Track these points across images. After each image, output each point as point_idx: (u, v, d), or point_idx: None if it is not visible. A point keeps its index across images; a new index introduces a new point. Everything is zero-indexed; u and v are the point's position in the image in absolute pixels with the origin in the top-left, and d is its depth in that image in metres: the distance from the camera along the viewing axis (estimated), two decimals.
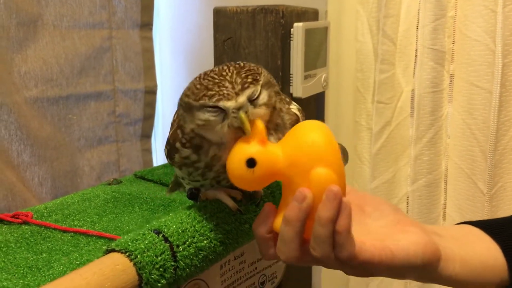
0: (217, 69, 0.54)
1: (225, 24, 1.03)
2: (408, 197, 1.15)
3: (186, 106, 0.54)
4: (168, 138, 0.60)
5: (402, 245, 0.48)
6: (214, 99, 0.51)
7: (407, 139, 1.14)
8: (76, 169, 1.22)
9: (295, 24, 0.98)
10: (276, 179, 0.50)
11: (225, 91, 0.51)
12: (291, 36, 0.99)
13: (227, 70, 0.53)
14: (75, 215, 0.83)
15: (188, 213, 0.59)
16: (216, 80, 0.52)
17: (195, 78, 0.55)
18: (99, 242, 0.74)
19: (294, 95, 1.02)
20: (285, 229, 0.47)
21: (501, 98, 0.97)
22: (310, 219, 0.46)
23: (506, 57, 0.95)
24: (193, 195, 0.63)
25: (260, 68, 0.55)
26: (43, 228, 0.78)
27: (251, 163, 0.48)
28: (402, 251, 0.48)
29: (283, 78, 1.00)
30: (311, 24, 1.02)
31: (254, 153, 0.48)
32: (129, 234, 0.54)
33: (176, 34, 1.41)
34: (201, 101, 0.52)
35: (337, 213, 0.45)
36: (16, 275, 0.65)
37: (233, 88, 0.51)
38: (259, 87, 0.53)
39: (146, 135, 1.36)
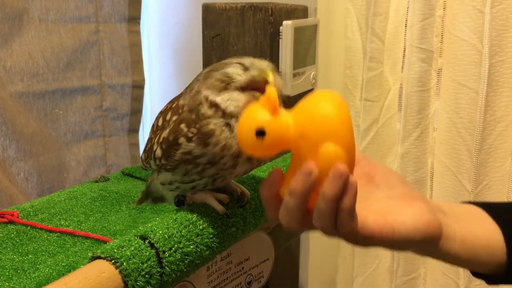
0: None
1: (214, 21, 1.02)
2: None
3: (206, 73, 0.57)
4: (164, 138, 0.58)
5: (405, 221, 0.48)
6: (245, 58, 0.56)
7: (394, 136, 1.14)
8: (62, 164, 1.22)
9: (284, 22, 0.97)
10: (285, 149, 0.49)
11: (251, 60, 0.56)
12: (280, 34, 0.98)
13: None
14: (61, 214, 0.82)
15: (174, 217, 0.59)
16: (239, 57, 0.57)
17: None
18: (86, 243, 0.73)
19: (283, 93, 1.02)
20: (289, 199, 0.47)
21: (488, 98, 0.98)
22: (315, 191, 0.46)
23: (493, 57, 0.96)
24: (180, 202, 0.62)
25: None
26: (29, 228, 0.78)
27: (260, 132, 0.47)
28: (403, 228, 0.48)
29: None
30: (300, 22, 1.01)
31: (264, 123, 0.47)
32: (115, 241, 0.53)
33: (164, 28, 1.40)
34: (229, 59, 0.56)
35: (342, 192, 0.44)
36: (1, 277, 0.64)
37: (259, 60, 0.56)
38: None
39: (133, 130, 1.35)
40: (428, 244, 0.51)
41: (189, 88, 0.59)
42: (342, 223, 0.46)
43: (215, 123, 0.55)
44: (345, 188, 0.44)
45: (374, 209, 0.50)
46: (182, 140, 0.56)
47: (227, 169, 0.57)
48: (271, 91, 0.49)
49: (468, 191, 1.04)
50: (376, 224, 0.47)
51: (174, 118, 0.58)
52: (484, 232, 0.55)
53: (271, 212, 0.51)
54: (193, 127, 0.56)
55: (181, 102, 0.59)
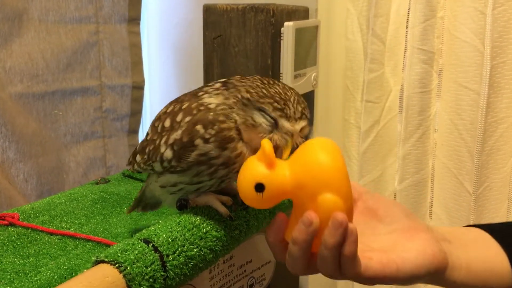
0: (279, 85, 0.57)
1: (215, 22, 1.02)
2: (395, 195, 1.16)
3: (244, 101, 0.56)
4: (176, 140, 0.57)
5: (409, 257, 0.50)
6: (278, 114, 0.55)
7: (394, 138, 1.14)
8: (62, 165, 1.21)
9: (286, 24, 0.97)
10: (285, 198, 0.51)
11: (289, 112, 0.55)
12: (282, 35, 0.98)
13: (288, 92, 0.56)
14: (62, 217, 0.82)
15: (178, 221, 0.59)
16: (282, 96, 0.56)
17: (255, 79, 0.58)
18: (87, 246, 0.73)
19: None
20: (292, 247, 0.49)
21: (489, 99, 0.98)
22: (318, 237, 0.47)
23: (495, 59, 0.96)
24: (183, 206, 0.62)
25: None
26: (30, 230, 0.77)
27: (259, 187, 0.49)
28: (408, 264, 0.49)
29: (273, 77, 1.00)
30: (302, 23, 1.01)
31: (262, 178, 0.49)
32: (118, 244, 0.53)
33: (164, 29, 1.40)
34: (266, 106, 0.55)
35: (343, 239, 0.46)
36: (3, 280, 0.64)
37: (294, 113, 0.55)
38: (307, 123, 0.57)
39: (133, 131, 1.35)
40: (433, 276, 0.51)
41: (228, 90, 0.58)
42: (345, 267, 0.48)
43: (235, 132, 0.56)
44: (345, 236, 0.46)
45: (377, 245, 0.52)
46: (198, 141, 0.56)
47: (237, 172, 0.57)
48: (266, 145, 0.50)
49: (469, 193, 1.03)
50: (380, 264, 0.49)
51: (187, 119, 0.57)
52: (490, 257, 0.55)
53: (279, 255, 0.53)
54: (210, 128, 0.55)
55: (194, 104, 0.58)
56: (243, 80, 0.58)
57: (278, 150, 0.56)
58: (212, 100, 0.58)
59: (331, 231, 0.46)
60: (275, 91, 0.56)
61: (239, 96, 0.56)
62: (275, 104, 0.55)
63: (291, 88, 0.58)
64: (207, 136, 0.56)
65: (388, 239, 0.53)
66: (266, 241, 0.54)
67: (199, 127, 0.56)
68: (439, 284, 0.54)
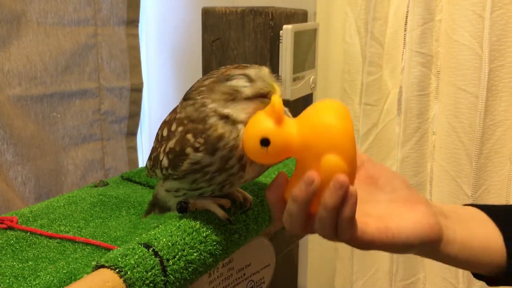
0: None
1: (213, 25, 1.02)
2: None
3: (210, 85, 0.57)
4: (170, 149, 0.58)
5: (406, 225, 0.50)
6: (244, 70, 0.55)
7: (393, 140, 1.14)
8: (60, 168, 1.21)
9: (284, 27, 0.97)
10: (289, 156, 0.51)
11: (250, 66, 0.56)
12: (280, 38, 0.98)
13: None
14: (61, 220, 0.82)
15: (177, 225, 0.59)
16: (234, 66, 0.57)
17: (198, 81, 0.59)
18: (86, 249, 0.73)
19: (282, 97, 1.01)
20: (291, 205, 0.48)
21: (487, 102, 0.98)
22: (317, 198, 0.47)
23: (493, 62, 0.96)
24: (183, 208, 0.62)
25: None
26: (28, 234, 0.77)
27: (265, 142, 0.49)
28: (403, 233, 0.49)
29: None
30: (300, 26, 1.01)
31: (268, 133, 0.49)
32: (118, 249, 0.53)
33: (163, 31, 1.40)
34: (231, 72, 0.55)
35: (342, 202, 0.46)
36: (2, 284, 0.64)
37: (254, 66, 0.56)
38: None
39: (131, 133, 1.35)
40: (428, 246, 0.52)
41: (191, 100, 0.59)
42: (342, 230, 0.47)
43: (223, 127, 0.55)
44: (345, 198, 0.46)
45: (376, 212, 0.51)
46: (189, 150, 0.56)
47: (236, 175, 0.57)
48: (277, 100, 0.50)
49: (468, 196, 1.04)
50: (377, 230, 0.49)
51: (180, 129, 0.58)
52: (484, 235, 0.56)
53: (277, 214, 0.52)
54: (200, 137, 0.56)
55: (182, 114, 0.59)
56: (193, 87, 0.59)
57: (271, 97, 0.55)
58: (182, 115, 0.59)
59: (332, 192, 0.46)
60: (224, 70, 0.57)
61: (203, 88, 0.57)
62: (236, 70, 0.56)
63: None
64: (197, 145, 0.56)
65: (386, 207, 0.53)
66: (266, 199, 0.53)
67: (189, 136, 0.56)
68: (432, 256, 0.55)
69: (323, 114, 0.48)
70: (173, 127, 0.59)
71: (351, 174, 0.47)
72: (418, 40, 1.03)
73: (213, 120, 0.56)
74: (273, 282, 0.86)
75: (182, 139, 0.57)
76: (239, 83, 0.55)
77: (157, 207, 0.72)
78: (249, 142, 0.51)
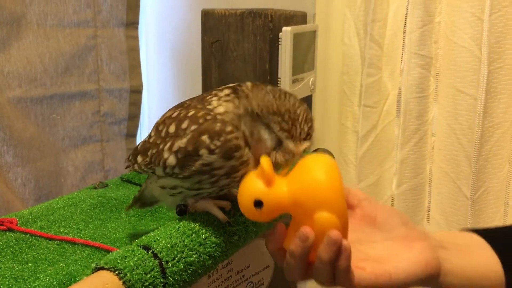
0: (290, 101, 0.56)
1: (213, 27, 1.02)
2: (393, 199, 1.16)
3: (252, 113, 0.56)
4: (180, 147, 0.57)
5: (402, 267, 0.52)
6: (284, 134, 0.55)
7: (392, 142, 1.15)
8: (60, 169, 1.21)
9: (284, 29, 0.97)
10: (284, 213, 0.53)
11: (295, 133, 0.55)
12: (280, 40, 0.98)
13: (297, 110, 0.56)
14: (60, 222, 0.82)
15: (177, 227, 0.59)
16: (291, 116, 0.55)
17: (267, 92, 0.57)
18: (86, 251, 0.73)
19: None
20: (289, 258, 0.51)
21: (486, 104, 0.98)
22: (314, 248, 0.50)
23: (492, 64, 0.97)
24: (182, 211, 0.62)
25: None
26: (28, 235, 0.77)
27: (258, 203, 0.51)
28: (401, 274, 0.51)
29: (271, 82, 1.00)
30: (300, 28, 1.01)
31: (260, 195, 0.51)
32: (118, 251, 0.53)
33: (162, 33, 1.40)
34: (274, 124, 0.55)
35: (337, 255, 0.48)
36: (1, 286, 0.64)
37: (300, 134, 0.55)
38: (311, 143, 0.57)
39: (131, 135, 1.35)
40: (427, 281, 0.54)
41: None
42: (339, 280, 0.50)
43: (242, 142, 0.57)
44: (339, 252, 0.48)
45: (373, 253, 0.54)
46: (203, 151, 0.56)
47: (239, 181, 0.57)
48: (265, 163, 0.52)
49: (467, 197, 1.04)
50: (374, 275, 0.51)
51: (193, 127, 0.57)
52: (484, 262, 0.57)
53: (279, 262, 0.55)
54: (216, 139, 0.55)
55: (201, 113, 0.58)
56: (255, 91, 0.58)
57: (277, 166, 0.56)
58: (220, 109, 0.58)
59: (326, 248, 0.48)
60: (285, 109, 0.55)
61: (249, 108, 0.57)
62: (283, 124, 0.55)
63: (301, 104, 0.57)
64: (213, 147, 0.56)
65: (384, 247, 0.54)
66: (267, 248, 0.56)
67: (205, 138, 0.56)
68: (432, 287, 0.56)
69: (311, 172, 0.51)
70: (184, 125, 0.58)
71: (343, 227, 0.50)
72: (417, 42, 1.03)
73: (235, 134, 0.57)
74: (272, 284, 0.86)
75: (195, 139, 0.56)
76: (268, 140, 0.56)
77: (139, 202, 0.73)
78: (244, 203, 0.53)
